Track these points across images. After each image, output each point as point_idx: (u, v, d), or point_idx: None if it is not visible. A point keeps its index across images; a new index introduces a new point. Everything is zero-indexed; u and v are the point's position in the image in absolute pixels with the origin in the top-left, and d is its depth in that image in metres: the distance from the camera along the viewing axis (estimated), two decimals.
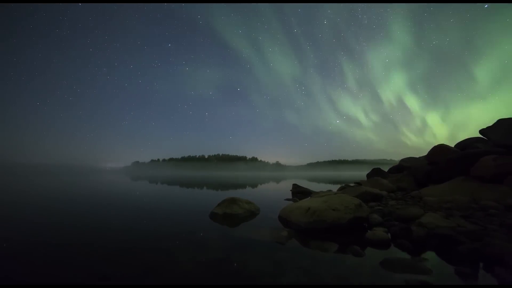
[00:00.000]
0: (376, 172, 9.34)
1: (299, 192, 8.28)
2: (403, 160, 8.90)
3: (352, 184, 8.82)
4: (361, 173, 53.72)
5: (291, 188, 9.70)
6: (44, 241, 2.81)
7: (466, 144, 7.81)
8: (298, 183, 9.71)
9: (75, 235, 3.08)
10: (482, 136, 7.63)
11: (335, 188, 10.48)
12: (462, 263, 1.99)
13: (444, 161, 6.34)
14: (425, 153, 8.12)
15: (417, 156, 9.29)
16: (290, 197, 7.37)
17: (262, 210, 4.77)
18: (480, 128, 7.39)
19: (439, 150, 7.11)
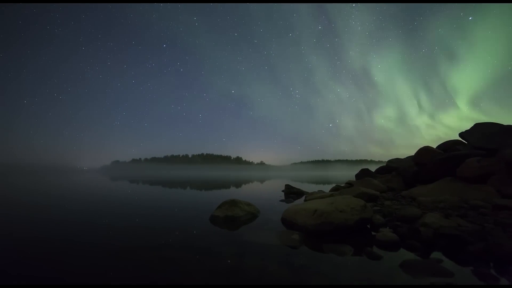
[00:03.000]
0: (364, 173, 9.63)
1: (292, 193, 8.27)
2: (390, 161, 9.26)
3: (343, 185, 9.02)
4: (344, 173, 55.53)
5: (283, 189, 9.72)
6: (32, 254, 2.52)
7: (448, 146, 8.30)
8: (286, 184, 9.74)
9: (67, 244, 2.79)
10: (461, 139, 8.17)
11: (324, 188, 10.67)
12: (478, 263, 2.04)
13: (431, 163, 6.66)
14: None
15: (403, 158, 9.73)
16: (283, 197, 7.35)
17: (261, 212, 4.69)
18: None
19: (425, 152, 7.47)
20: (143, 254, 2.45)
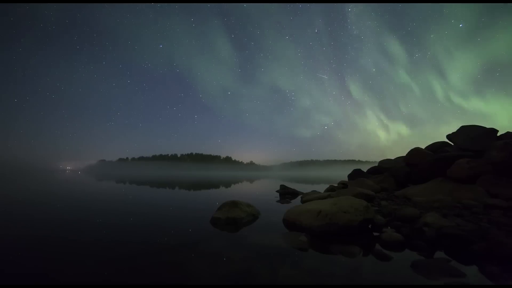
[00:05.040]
0: (357, 173, 9.82)
1: (287, 193, 8.29)
2: (382, 162, 9.50)
3: (336, 185, 9.14)
4: (335, 173, 56.54)
5: (276, 189, 9.71)
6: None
7: (436, 148, 8.63)
8: (281, 184, 9.75)
9: (62, 254, 2.61)
10: (448, 141, 8.53)
11: (317, 187, 10.78)
12: (485, 262, 2.09)
13: (422, 163, 6.89)
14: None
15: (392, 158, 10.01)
16: (279, 198, 7.34)
17: (261, 213, 4.64)
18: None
19: (416, 153, 7.72)
20: (144, 256, 2.35)
